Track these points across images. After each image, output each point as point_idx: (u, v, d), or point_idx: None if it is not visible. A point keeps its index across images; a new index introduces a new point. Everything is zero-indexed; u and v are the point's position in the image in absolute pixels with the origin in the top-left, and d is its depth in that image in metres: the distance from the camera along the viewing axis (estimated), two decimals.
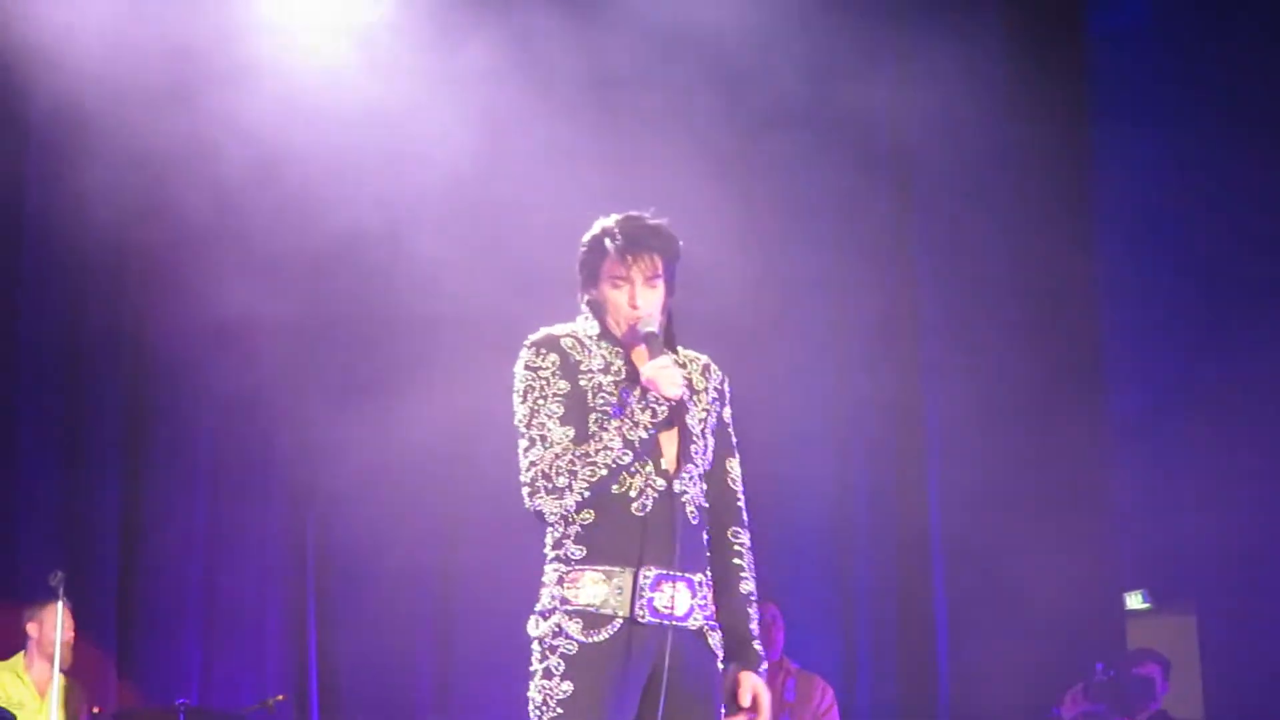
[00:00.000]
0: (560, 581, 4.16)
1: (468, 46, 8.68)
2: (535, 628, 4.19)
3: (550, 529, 4.21)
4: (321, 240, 8.64)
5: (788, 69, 9.08)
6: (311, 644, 9.02)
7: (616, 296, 4.28)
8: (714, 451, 4.37)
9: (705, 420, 4.34)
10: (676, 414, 4.19)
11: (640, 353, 4.26)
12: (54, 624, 7.62)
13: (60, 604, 7.54)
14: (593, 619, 4.11)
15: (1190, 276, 9.21)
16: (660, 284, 4.30)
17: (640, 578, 4.12)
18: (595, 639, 4.09)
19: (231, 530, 9.01)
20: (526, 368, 4.24)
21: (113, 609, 8.75)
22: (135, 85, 8.30)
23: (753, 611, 4.35)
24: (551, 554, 4.21)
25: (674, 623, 4.15)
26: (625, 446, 4.10)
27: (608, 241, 4.28)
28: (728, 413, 4.45)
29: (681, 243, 4.30)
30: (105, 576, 8.74)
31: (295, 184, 8.55)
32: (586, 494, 4.10)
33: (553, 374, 4.21)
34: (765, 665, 4.35)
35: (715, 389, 4.43)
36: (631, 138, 8.82)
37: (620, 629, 4.11)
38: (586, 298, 4.37)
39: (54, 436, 8.82)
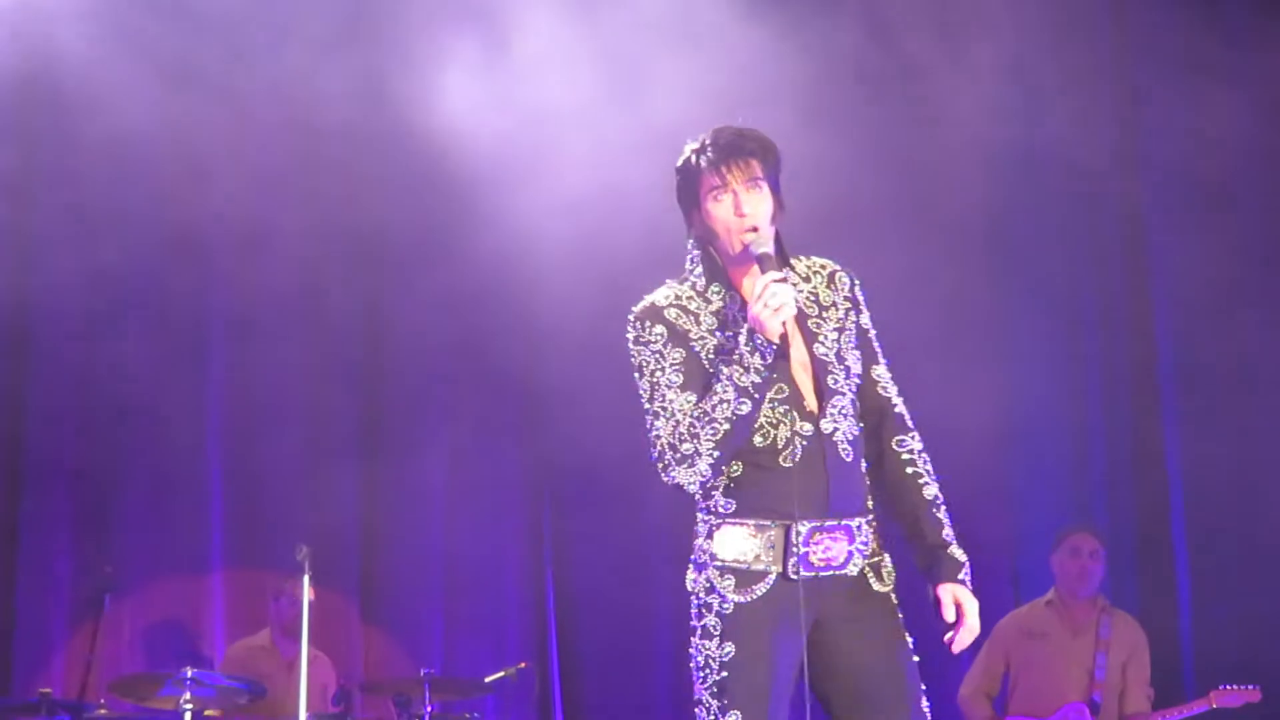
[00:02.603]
0: (710, 535, 4.00)
1: None
2: (690, 582, 4.03)
3: None
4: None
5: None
6: (550, 612, 9.06)
7: (720, 211, 3.94)
8: (860, 363, 4.08)
9: (839, 339, 4.05)
10: (785, 347, 3.87)
11: (753, 281, 3.90)
12: (300, 598, 7.63)
13: (306, 578, 7.51)
14: (744, 576, 3.94)
15: None
16: (765, 188, 3.95)
17: (792, 534, 3.92)
18: (749, 598, 3.93)
19: (469, 500, 9.04)
20: (636, 343, 4.00)
21: (355, 581, 8.87)
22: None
23: (943, 516, 4.04)
24: (702, 504, 4.04)
25: (833, 573, 3.97)
26: (740, 395, 3.83)
27: (698, 157, 3.97)
28: (865, 318, 4.13)
29: (779, 146, 3.97)
30: (347, 549, 8.85)
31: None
32: (717, 454, 3.86)
33: (663, 344, 3.96)
34: (966, 571, 4.01)
35: (847, 298, 4.11)
36: None
37: (773, 585, 3.93)
38: (693, 238, 4.07)
39: (295, 410, 8.86)
